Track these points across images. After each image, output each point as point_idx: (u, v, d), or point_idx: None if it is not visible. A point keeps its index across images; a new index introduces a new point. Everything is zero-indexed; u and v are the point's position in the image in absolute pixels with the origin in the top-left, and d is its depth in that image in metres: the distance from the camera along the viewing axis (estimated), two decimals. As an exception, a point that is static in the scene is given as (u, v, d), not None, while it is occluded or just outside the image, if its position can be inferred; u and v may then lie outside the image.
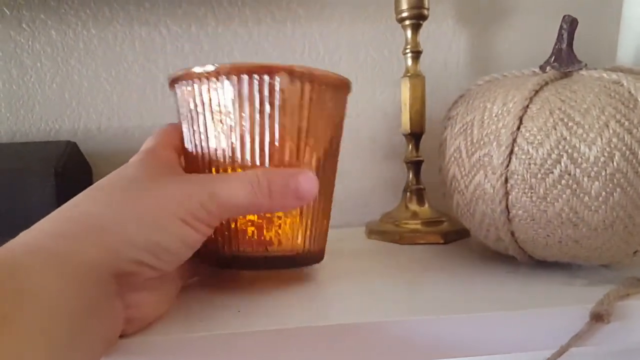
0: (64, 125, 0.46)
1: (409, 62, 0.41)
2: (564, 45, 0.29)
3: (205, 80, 0.25)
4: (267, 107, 0.24)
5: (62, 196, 0.34)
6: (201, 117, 0.25)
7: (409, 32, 0.40)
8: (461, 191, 0.30)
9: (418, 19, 0.40)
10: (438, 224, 0.40)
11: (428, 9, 0.39)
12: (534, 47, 0.48)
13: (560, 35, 0.29)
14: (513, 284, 0.27)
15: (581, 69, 0.29)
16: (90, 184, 0.23)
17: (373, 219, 0.45)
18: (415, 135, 0.41)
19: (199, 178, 0.24)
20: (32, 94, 0.45)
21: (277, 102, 0.24)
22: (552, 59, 0.30)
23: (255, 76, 0.24)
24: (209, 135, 0.25)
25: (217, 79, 0.24)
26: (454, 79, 0.48)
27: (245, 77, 0.24)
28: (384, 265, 0.33)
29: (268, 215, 0.26)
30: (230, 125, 0.25)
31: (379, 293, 0.27)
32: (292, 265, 0.28)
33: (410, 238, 0.39)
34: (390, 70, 0.47)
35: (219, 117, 0.25)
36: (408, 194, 0.42)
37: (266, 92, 0.24)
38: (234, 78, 0.24)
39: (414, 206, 0.42)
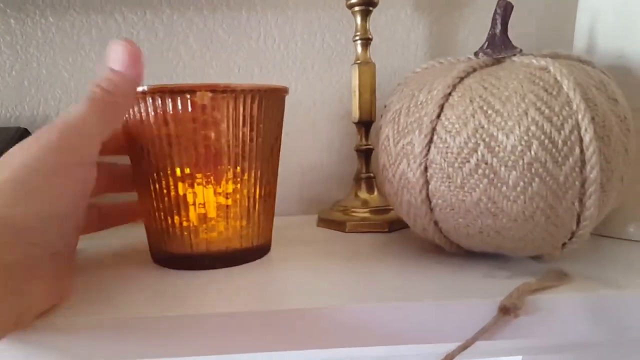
0: (23, 112, 0.44)
1: (359, 49, 0.38)
2: (498, 31, 0.27)
3: (144, 99, 0.25)
4: (191, 123, 0.25)
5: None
6: (144, 126, 0.26)
7: (358, 19, 0.38)
8: (390, 180, 0.28)
9: (367, 5, 0.37)
10: (386, 212, 0.38)
11: (377, -5, 0.37)
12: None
13: (494, 20, 0.27)
14: (438, 274, 0.26)
15: (515, 55, 0.27)
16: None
17: (325, 207, 0.43)
18: (364, 124, 0.39)
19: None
20: (-8, 81, 0.44)
21: (200, 117, 0.25)
22: (486, 45, 0.27)
23: (178, 96, 0.25)
24: (149, 142, 0.26)
25: (145, 99, 0.25)
26: (412, 67, 0.45)
27: (177, 96, 0.25)
28: (323, 253, 0.31)
29: (209, 215, 0.26)
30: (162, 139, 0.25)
31: (307, 280, 0.25)
32: (239, 262, 0.28)
33: (354, 227, 0.37)
34: (347, 57, 0.45)
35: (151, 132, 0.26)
36: (358, 182, 0.40)
37: (189, 109, 0.25)
38: (158, 98, 0.25)
39: (363, 194, 0.40)
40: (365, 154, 0.40)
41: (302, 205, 0.47)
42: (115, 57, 0.24)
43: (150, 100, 0.25)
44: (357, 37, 0.38)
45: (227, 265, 0.28)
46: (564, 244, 0.25)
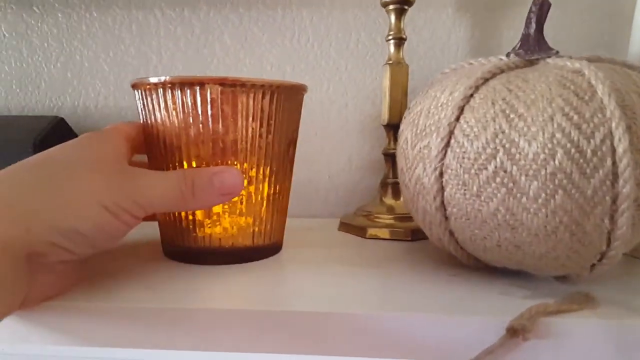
0: (65, 102, 0.47)
1: (392, 49, 0.38)
2: (532, 31, 0.26)
3: (155, 90, 0.26)
4: (200, 116, 0.26)
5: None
6: (157, 118, 0.27)
7: (392, 17, 0.37)
8: (407, 185, 0.27)
9: (402, 3, 0.37)
10: (411, 219, 0.37)
11: (413, -7, 0.37)
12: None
13: (528, 19, 0.26)
14: (450, 287, 0.25)
15: (549, 57, 0.25)
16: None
17: (350, 211, 0.43)
18: (393, 126, 0.39)
19: (130, 171, 0.24)
20: (39, 72, 0.47)
21: (209, 111, 0.26)
22: (518, 45, 0.26)
23: (187, 88, 0.25)
24: (161, 134, 0.27)
25: (164, 89, 0.26)
26: (449, 69, 0.44)
27: (187, 88, 0.25)
28: (335, 258, 0.31)
29: (214, 210, 0.27)
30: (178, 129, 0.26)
31: (312, 283, 0.26)
32: (246, 260, 0.29)
33: (375, 233, 0.37)
34: (382, 57, 0.45)
35: (168, 121, 0.26)
36: (384, 187, 0.40)
37: (199, 102, 0.25)
38: (169, 90, 0.26)
39: (389, 200, 0.40)
40: (393, 158, 0.39)
41: (328, 207, 0.47)
42: (227, 183, 0.25)
43: (161, 91, 0.26)
44: (391, 37, 0.38)
45: (233, 262, 0.28)
46: (592, 265, 0.24)
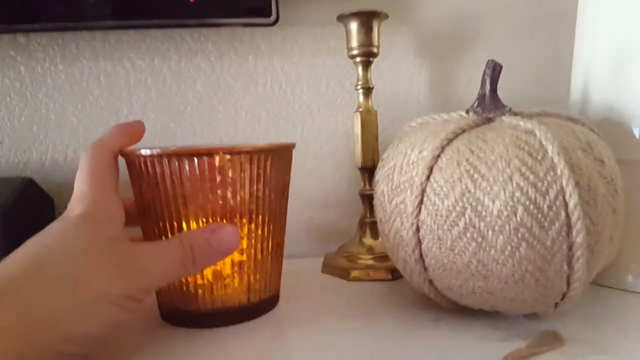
0: (31, 157, 0.48)
1: (361, 97, 0.41)
2: (487, 91, 0.30)
3: (159, 160, 0.28)
4: (208, 183, 0.28)
5: (9, 235, 0.36)
6: (158, 186, 0.28)
7: (360, 69, 0.41)
8: (386, 235, 0.30)
9: (368, 56, 0.40)
10: (390, 258, 0.41)
11: (378, 47, 0.40)
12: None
13: (483, 80, 0.30)
14: (434, 334, 0.28)
15: (504, 114, 0.29)
16: (52, 216, 0.23)
17: (332, 250, 0.45)
18: (367, 169, 0.42)
19: (131, 252, 0.24)
20: (1, 127, 0.48)
21: (217, 177, 0.28)
22: (476, 104, 0.30)
23: (196, 158, 0.27)
24: (161, 203, 0.28)
25: (169, 159, 0.27)
26: (415, 112, 0.48)
27: (195, 157, 0.27)
28: (326, 308, 0.34)
29: (225, 272, 0.29)
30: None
31: (310, 342, 0.28)
32: (249, 318, 0.31)
33: (358, 276, 0.39)
34: (352, 101, 0.48)
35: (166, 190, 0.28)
36: (362, 227, 0.43)
37: (206, 170, 0.27)
38: (175, 161, 0.27)
39: (368, 240, 0.43)
40: (369, 199, 0.42)
41: (308, 246, 0.49)
42: (224, 242, 0.27)
43: (166, 162, 0.27)
44: (359, 86, 0.41)
45: (237, 322, 0.30)
46: (556, 304, 0.27)
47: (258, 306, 0.31)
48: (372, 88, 0.41)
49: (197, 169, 0.27)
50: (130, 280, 0.23)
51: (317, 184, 0.49)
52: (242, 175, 0.28)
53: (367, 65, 0.41)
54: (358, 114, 0.41)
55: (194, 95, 0.48)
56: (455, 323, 0.29)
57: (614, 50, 0.34)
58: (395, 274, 0.39)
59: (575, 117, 0.30)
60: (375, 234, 0.43)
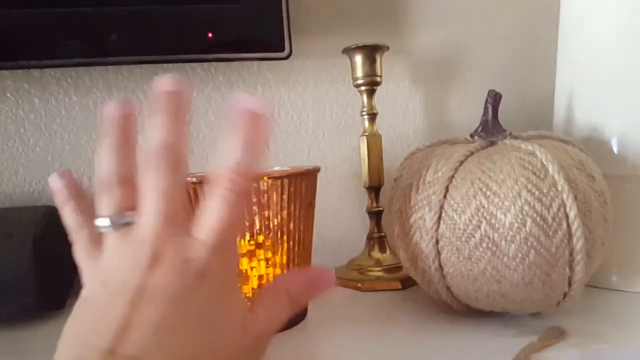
0: (47, 186, 0.49)
1: (366, 123, 0.45)
2: (489, 117, 0.34)
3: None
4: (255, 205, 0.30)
5: (40, 263, 0.37)
6: None
7: (364, 97, 0.45)
8: (405, 249, 0.33)
9: (372, 85, 0.44)
10: (398, 269, 0.44)
11: (381, 77, 0.44)
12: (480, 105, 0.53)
13: (485, 108, 0.34)
14: (453, 335, 0.31)
15: (505, 137, 0.33)
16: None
17: (344, 262, 0.48)
18: (374, 188, 0.45)
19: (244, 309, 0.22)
20: (16, 157, 0.49)
21: (260, 200, 0.30)
22: (480, 129, 0.34)
23: None
24: None
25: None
26: (412, 133, 0.52)
27: None
28: (348, 316, 0.37)
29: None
30: None
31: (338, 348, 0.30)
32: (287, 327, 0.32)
33: (371, 285, 0.42)
34: (354, 126, 0.52)
35: None
36: (370, 242, 0.46)
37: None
38: None
39: (376, 254, 0.45)
40: (376, 216, 0.46)
41: (319, 260, 0.51)
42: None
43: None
44: (365, 113, 0.45)
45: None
46: (558, 303, 0.31)
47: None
48: (376, 114, 0.45)
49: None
50: (249, 339, 0.21)
51: (324, 203, 0.52)
52: (282, 197, 0.30)
53: (371, 93, 0.44)
54: (365, 138, 0.45)
55: (206, 124, 0.50)
56: (471, 324, 0.32)
57: (594, 76, 0.38)
58: (405, 284, 0.42)
59: (566, 139, 0.34)
60: (383, 248, 0.46)
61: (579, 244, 0.28)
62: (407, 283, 0.42)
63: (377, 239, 0.46)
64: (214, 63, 0.50)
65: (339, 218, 0.52)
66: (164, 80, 0.23)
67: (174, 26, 0.41)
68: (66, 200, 0.24)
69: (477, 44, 0.53)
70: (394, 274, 0.43)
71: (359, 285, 0.42)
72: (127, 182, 0.23)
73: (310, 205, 0.35)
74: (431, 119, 0.53)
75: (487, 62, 0.53)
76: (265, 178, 0.30)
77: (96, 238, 0.22)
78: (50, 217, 0.41)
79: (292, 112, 0.51)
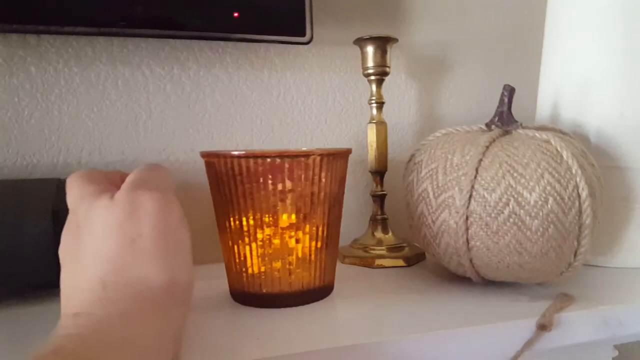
0: (42, 159, 0.46)
1: (374, 111, 0.46)
2: (505, 109, 0.36)
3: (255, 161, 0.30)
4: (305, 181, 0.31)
5: (58, 235, 0.35)
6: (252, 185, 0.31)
7: (373, 86, 0.46)
8: (428, 225, 0.35)
9: (381, 75, 0.45)
10: (400, 249, 0.46)
11: (389, 67, 0.46)
12: (472, 98, 0.56)
13: (502, 100, 0.36)
14: (470, 302, 0.33)
15: (518, 127, 0.36)
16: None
17: (344, 244, 0.49)
18: (379, 173, 0.47)
19: None
20: (8, 128, 0.45)
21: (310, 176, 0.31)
22: (496, 119, 0.37)
23: (295, 159, 0.30)
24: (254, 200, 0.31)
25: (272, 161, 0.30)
26: (407, 123, 0.55)
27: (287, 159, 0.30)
28: (370, 288, 0.38)
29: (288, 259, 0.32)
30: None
31: (370, 316, 0.32)
32: (312, 300, 0.34)
33: (380, 262, 0.44)
34: (355, 114, 0.53)
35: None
36: (374, 223, 0.47)
37: (303, 169, 0.31)
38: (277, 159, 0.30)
39: (379, 234, 0.47)
40: (380, 199, 0.47)
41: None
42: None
43: (260, 161, 0.30)
44: (373, 101, 0.46)
45: (301, 303, 0.33)
46: (561, 272, 0.34)
47: (317, 291, 0.34)
48: (384, 102, 0.46)
49: (295, 168, 0.30)
50: None
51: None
52: (328, 174, 0.31)
53: (380, 83, 0.46)
54: (373, 125, 0.46)
55: (212, 104, 0.49)
56: (487, 292, 0.35)
57: (578, 76, 0.42)
58: (409, 261, 0.44)
59: (564, 131, 0.37)
60: (385, 229, 0.47)
61: (587, 220, 0.31)
62: (411, 261, 0.44)
63: (380, 220, 0.47)
64: (221, 44, 0.49)
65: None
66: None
67: (200, 2, 0.40)
68: None
69: (467, 43, 0.56)
70: (395, 252, 0.45)
71: (372, 262, 0.44)
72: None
73: (343, 180, 0.36)
74: (423, 111, 0.55)
75: (475, 60, 0.56)
76: (315, 154, 0.31)
77: None
78: (64, 190, 0.39)
79: (296, 97, 0.51)
